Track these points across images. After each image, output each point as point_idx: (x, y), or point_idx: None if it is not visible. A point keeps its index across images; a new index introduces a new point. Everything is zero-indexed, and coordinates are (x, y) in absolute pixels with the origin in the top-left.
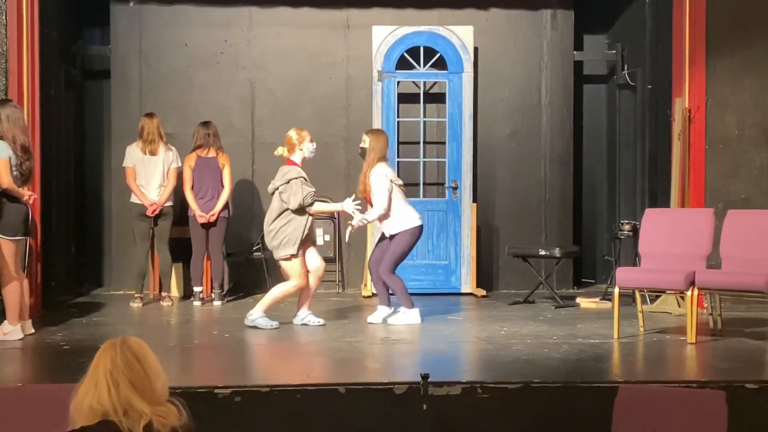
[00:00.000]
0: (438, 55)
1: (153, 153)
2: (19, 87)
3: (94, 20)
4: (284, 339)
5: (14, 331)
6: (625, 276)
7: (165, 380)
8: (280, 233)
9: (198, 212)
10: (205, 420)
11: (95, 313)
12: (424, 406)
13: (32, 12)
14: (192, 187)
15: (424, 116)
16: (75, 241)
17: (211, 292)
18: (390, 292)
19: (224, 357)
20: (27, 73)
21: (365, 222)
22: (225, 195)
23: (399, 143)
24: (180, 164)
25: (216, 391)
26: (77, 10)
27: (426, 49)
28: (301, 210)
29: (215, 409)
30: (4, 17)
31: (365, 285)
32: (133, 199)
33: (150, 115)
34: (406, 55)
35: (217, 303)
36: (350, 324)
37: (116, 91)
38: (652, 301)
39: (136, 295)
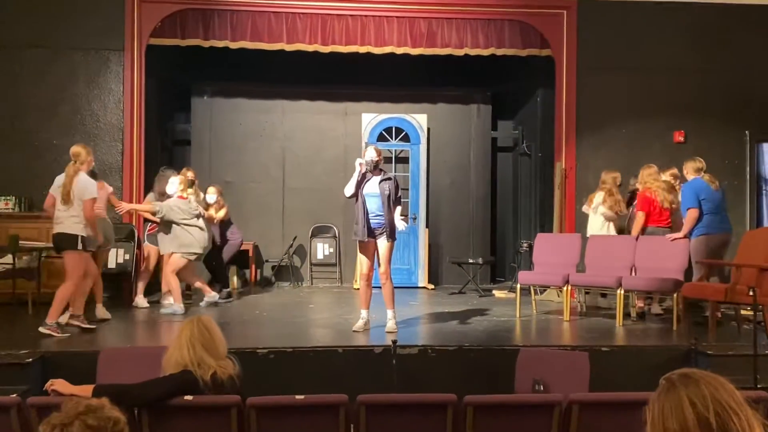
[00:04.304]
0: (404, 132)
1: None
2: (130, 150)
3: (181, 106)
4: (301, 316)
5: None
6: (524, 277)
7: (225, 343)
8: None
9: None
10: (250, 370)
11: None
12: (394, 362)
13: (141, 101)
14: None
15: (395, 172)
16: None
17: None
18: None
19: (262, 328)
20: (136, 141)
21: None
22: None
23: None
24: None
25: (257, 350)
26: (170, 99)
27: (396, 128)
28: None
29: (256, 363)
30: (122, 104)
31: (355, 281)
32: None
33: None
34: (383, 132)
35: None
36: (345, 306)
37: (194, 154)
38: (542, 293)
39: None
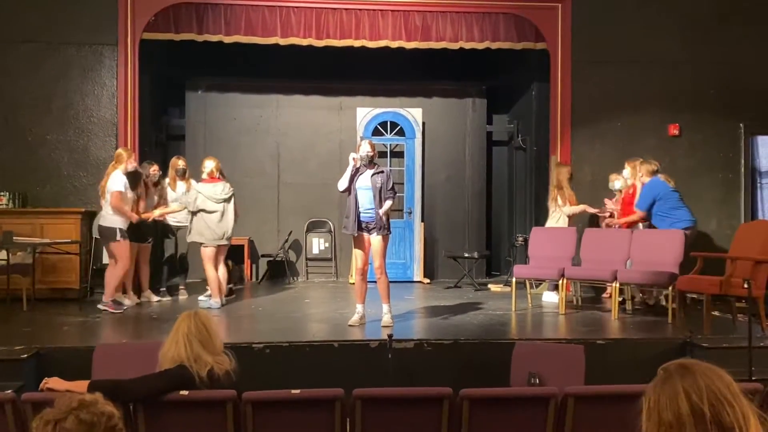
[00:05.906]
0: (399, 126)
1: None
2: (124, 145)
3: (175, 101)
4: (297, 311)
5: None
6: (519, 270)
7: (221, 338)
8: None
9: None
10: (246, 365)
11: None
12: (389, 356)
13: (134, 95)
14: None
15: (390, 166)
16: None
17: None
18: None
19: (258, 323)
20: (130, 136)
21: None
22: None
23: None
24: None
25: (253, 345)
26: (164, 94)
27: (391, 122)
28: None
29: (252, 358)
30: (115, 99)
31: (351, 275)
32: None
33: None
34: (378, 126)
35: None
36: (341, 301)
37: (189, 149)
38: (537, 286)
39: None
